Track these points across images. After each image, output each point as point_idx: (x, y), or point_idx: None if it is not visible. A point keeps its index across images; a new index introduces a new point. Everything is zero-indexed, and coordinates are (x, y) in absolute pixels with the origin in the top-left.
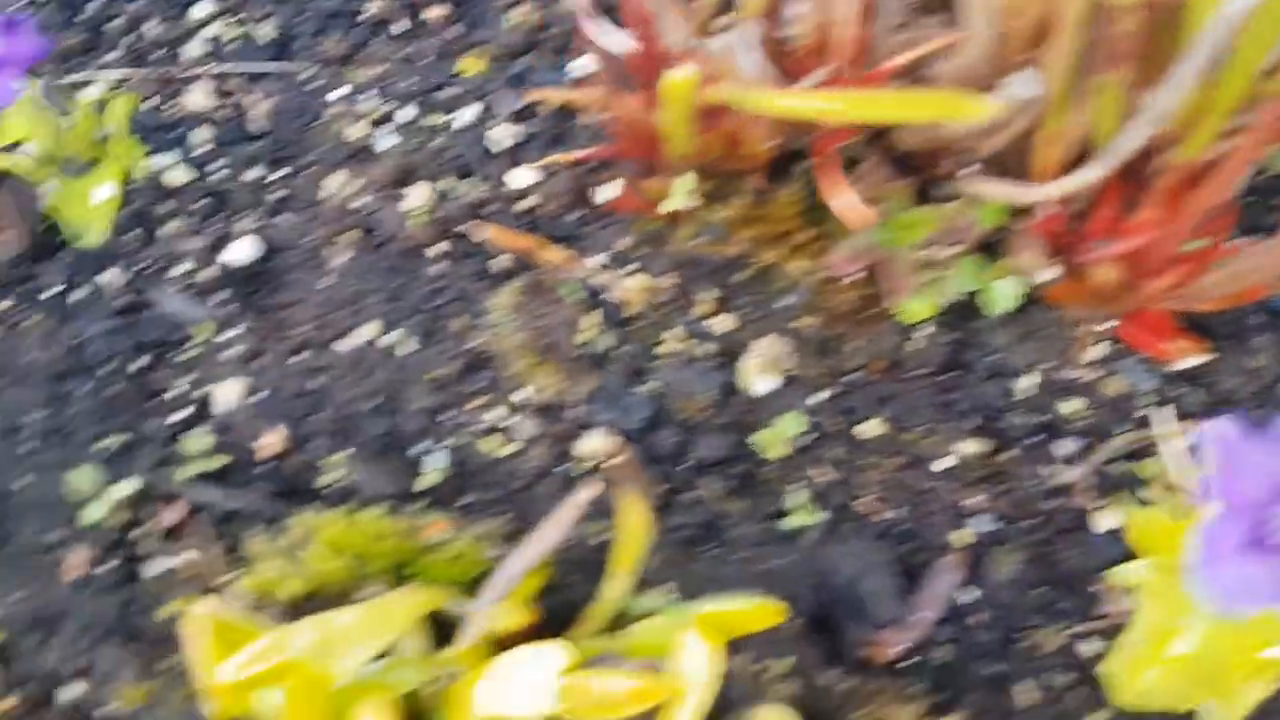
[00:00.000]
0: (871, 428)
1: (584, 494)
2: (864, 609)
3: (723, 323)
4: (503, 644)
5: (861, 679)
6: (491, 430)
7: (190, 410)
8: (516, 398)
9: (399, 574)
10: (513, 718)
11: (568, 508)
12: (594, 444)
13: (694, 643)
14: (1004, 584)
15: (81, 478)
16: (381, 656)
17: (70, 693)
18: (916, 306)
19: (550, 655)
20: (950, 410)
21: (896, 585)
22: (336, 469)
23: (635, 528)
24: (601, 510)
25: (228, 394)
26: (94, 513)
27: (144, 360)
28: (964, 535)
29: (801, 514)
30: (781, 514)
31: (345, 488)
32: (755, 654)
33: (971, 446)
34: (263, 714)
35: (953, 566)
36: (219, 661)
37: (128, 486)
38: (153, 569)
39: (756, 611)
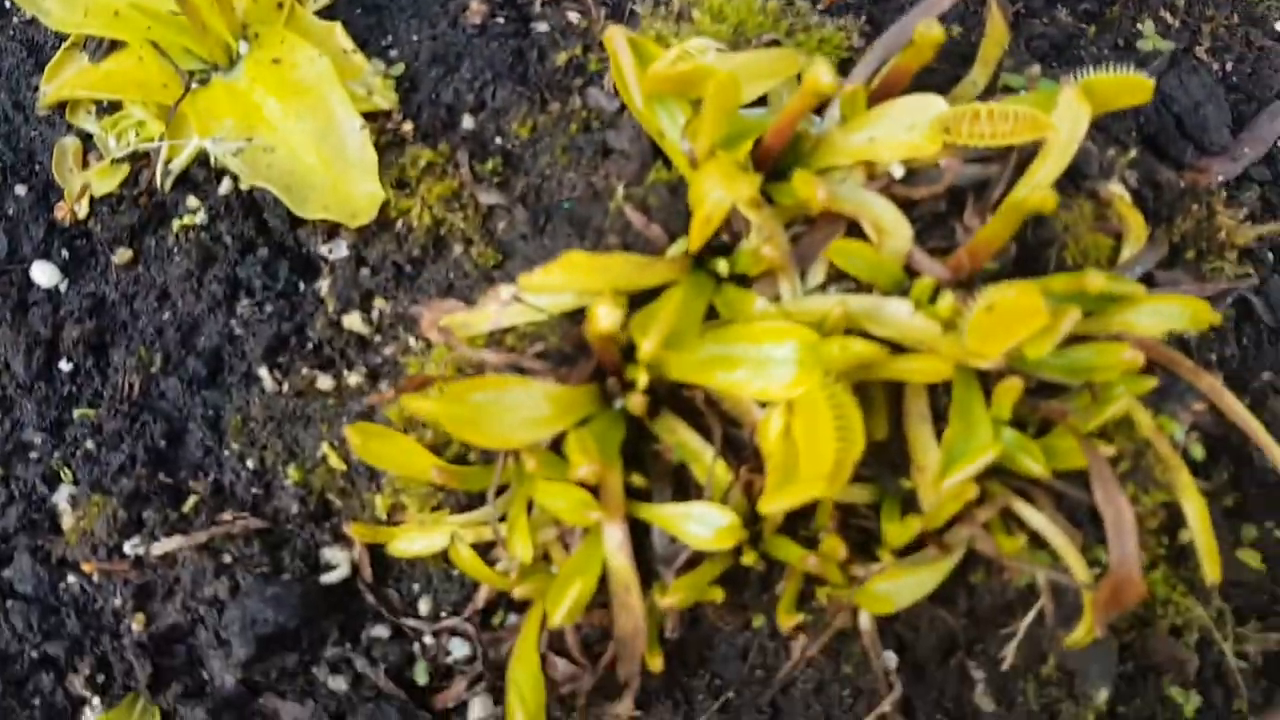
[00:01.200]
0: None
1: None
2: (1199, 135)
3: None
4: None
5: (1192, 185)
6: None
7: None
8: None
9: (772, 43)
10: (890, 144)
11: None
12: None
13: (1068, 99)
14: None
15: None
16: (756, 105)
17: (468, 123)
18: None
19: (933, 99)
20: None
21: (1230, 119)
22: None
23: (997, 26)
24: (956, 17)
25: None
26: None
27: None
28: None
29: (1153, 40)
30: (1131, 42)
31: None
32: (1103, 142)
33: None
34: (667, 129)
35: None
36: (640, 69)
37: None
38: (541, 26)
39: (1128, 83)
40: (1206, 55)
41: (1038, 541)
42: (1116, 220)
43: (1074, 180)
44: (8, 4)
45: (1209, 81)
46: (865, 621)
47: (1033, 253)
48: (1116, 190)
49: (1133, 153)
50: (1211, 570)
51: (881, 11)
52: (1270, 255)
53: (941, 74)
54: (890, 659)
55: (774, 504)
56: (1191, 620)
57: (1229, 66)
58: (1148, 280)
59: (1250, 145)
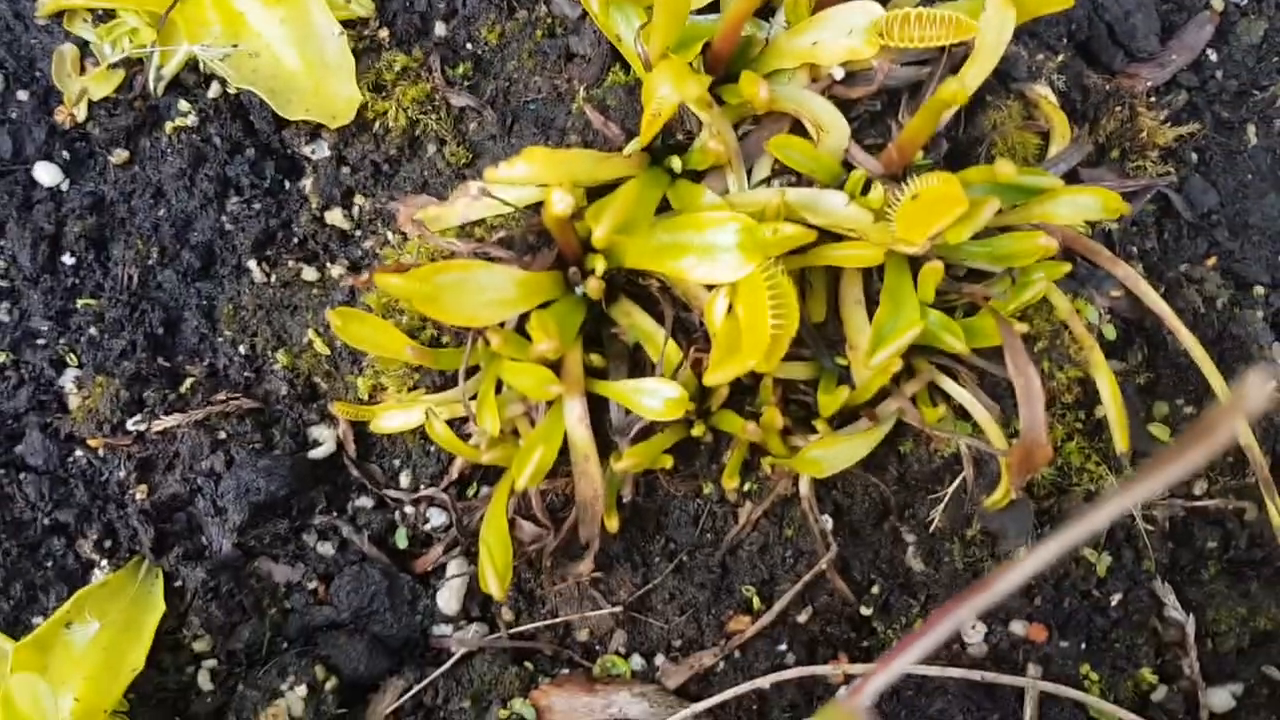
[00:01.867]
0: None
1: None
2: (1128, 42)
3: None
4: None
5: (1119, 89)
6: None
7: None
8: None
9: None
10: (830, 48)
11: None
12: None
13: (995, 4)
14: (1247, 48)
15: None
16: (709, 11)
17: (440, 30)
18: None
19: (870, 5)
20: None
21: (1158, 28)
22: None
23: None
24: None
25: None
26: None
27: None
28: (1217, 1)
29: None
30: None
31: None
32: (1034, 47)
33: None
34: (623, 34)
35: (1207, 23)
36: None
37: None
38: None
39: None
40: None
41: (963, 415)
42: (1043, 120)
43: (1004, 82)
44: None
45: None
46: (804, 487)
47: (963, 149)
48: (1042, 91)
49: (1061, 57)
50: (1121, 440)
51: None
52: (1194, 156)
53: None
54: (827, 522)
55: (717, 376)
56: (1104, 487)
57: None
58: (1072, 176)
59: (1178, 53)
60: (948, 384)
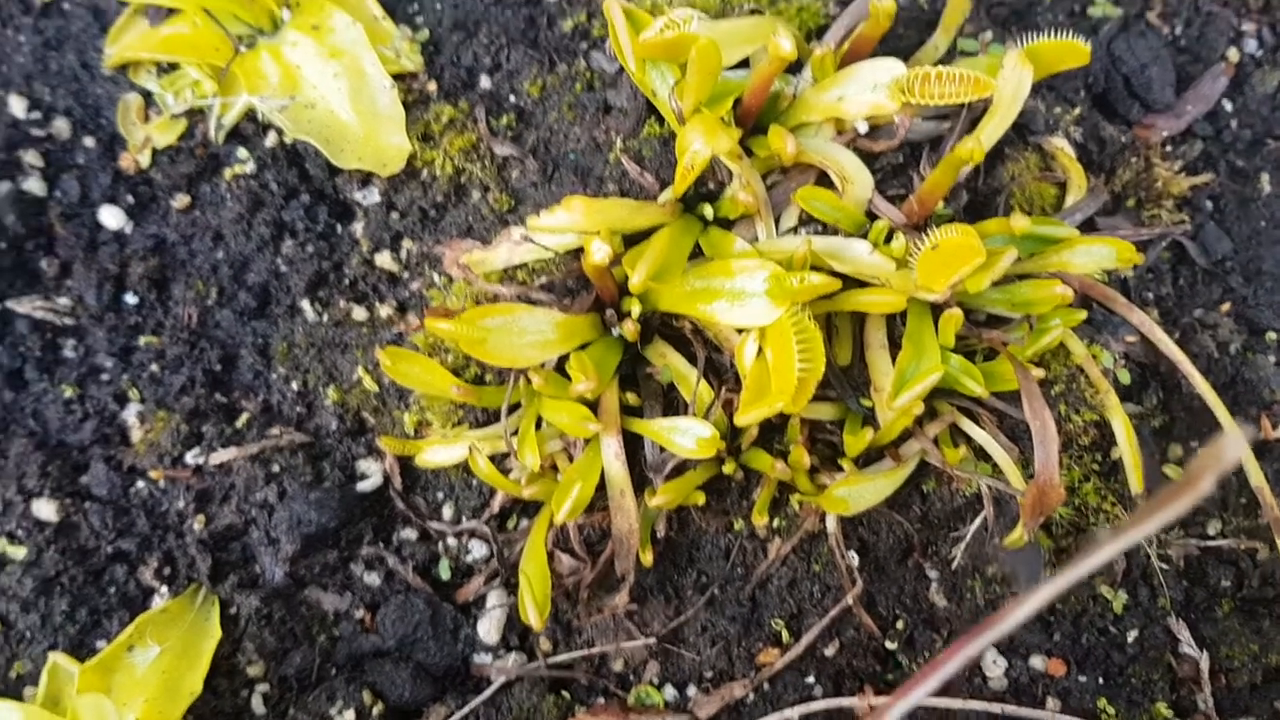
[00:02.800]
0: None
1: None
2: (1144, 94)
3: None
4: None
5: (1134, 140)
6: None
7: None
8: None
9: (754, 13)
10: (855, 102)
11: None
12: None
13: (1013, 62)
14: (1262, 98)
15: None
16: (740, 67)
17: (486, 83)
18: None
19: (893, 63)
20: None
21: (1174, 80)
22: None
23: None
24: None
25: None
26: None
27: None
28: (1233, 53)
29: (1104, 6)
30: (1085, 9)
31: None
32: (1053, 101)
33: None
34: (659, 89)
35: (1222, 74)
36: (634, 36)
37: None
38: None
39: (1068, 48)
40: (1158, 20)
41: (983, 455)
42: (1060, 171)
43: (1022, 135)
44: None
45: (1156, 44)
46: (831, 524)
47: (983, 199)
48: (1059, 144)
49: (1078, 109)
50: (1136, 482)
51: None
52: (1208, 203)
53: (908, 39)
54: (853, 558)
55: (747, 417)
56: (1121, 527)
57: (1178, 30)
58: (1089, 224)
59: (1194, 103)
60: (968, 425)
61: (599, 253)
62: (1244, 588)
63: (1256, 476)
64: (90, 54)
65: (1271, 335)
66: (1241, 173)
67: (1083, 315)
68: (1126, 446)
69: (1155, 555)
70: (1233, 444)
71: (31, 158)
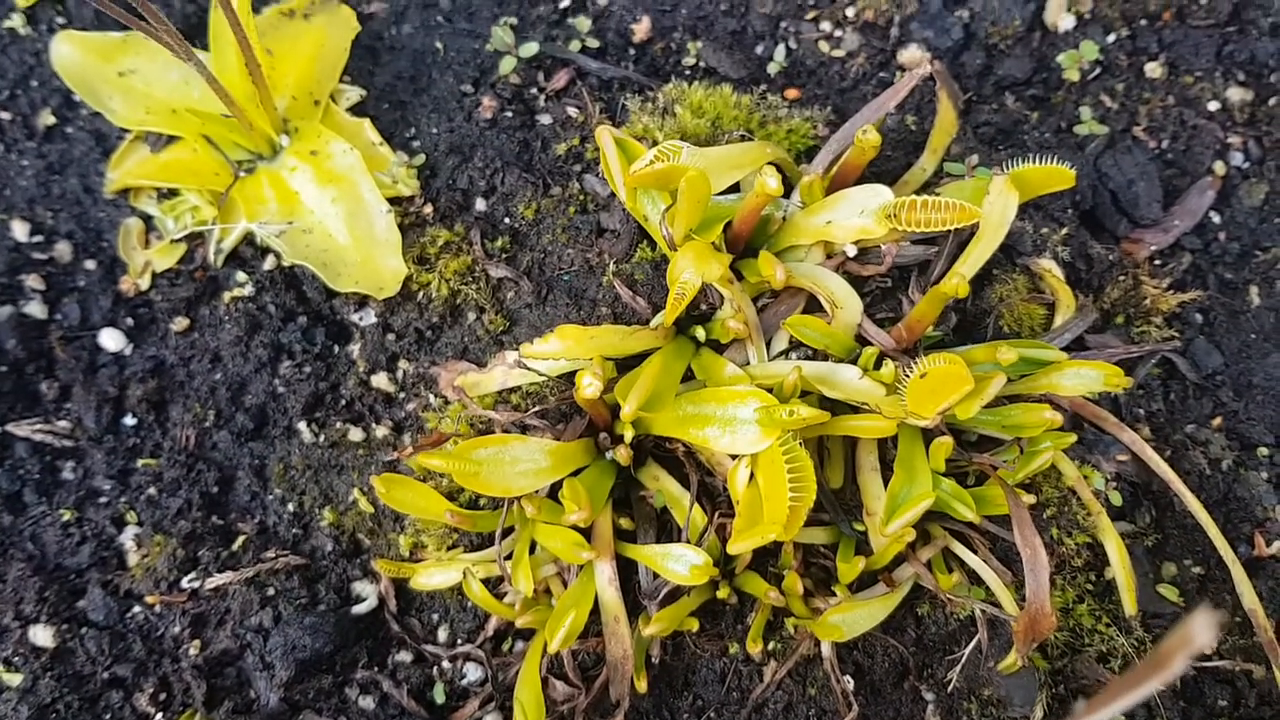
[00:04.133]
0: (1153, 68)
1: (907, 80)
2: (1132, 210)
3: None
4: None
5: (1122, 256)
6: (824, 38)
7: (570, 1)
8: (847, 13)
9: (744, 138)
10: (843, 227)
11: (894, 89)
12: (911, 55)
13: (999, 188)
14: (1249, 210)
15: (500, 33)
16: (731, 191)
17: (481, 205)
18: None
19: (880, 189)
20: (1226, 59)
21: (1161, 195)
22: (694, 55)
23: (946, 118)
24: (914, 108)
25: None
26: (506, 65)
27: None
28: (1219, 166)
29: (1090, 125)
30: (1072, 126)
31: (703, 68)
32: (1040, 221)
33: (1238, 94)
34: (650, 215)
35: (1209, 188)
36: (625, 165)
37: (530, 48)
38: (544, 119)
39: (1053, 172)
40: (1144, 134)
41: (977, 579)
42: (1049, 291)
43: (1010, 256)
44: (77, 99)
45: (1142, 160)
46: (826, 648)
47: (972, 320)
48: (1047, 265)
49: (1065, 229)
50: (1129, 604)
51: (846, 101)
52: (1198, 317)
53: (896, 160)
54: (849, 682)
55: (739, 546)
56: (1115, 648)
57: (1164, 144)
58: (1079, 342)
59: (1181, 217)
60: (961, 550)
61: (589, 388)
62: (1241, 708)
63: (1250, 599)
64: (92, 178)
65: (1263, 450)
66: (1231, 285)
67: (1073, 438)
68: (1119, 568)
69: None
70: (1203, 627)
71: (33, 281)
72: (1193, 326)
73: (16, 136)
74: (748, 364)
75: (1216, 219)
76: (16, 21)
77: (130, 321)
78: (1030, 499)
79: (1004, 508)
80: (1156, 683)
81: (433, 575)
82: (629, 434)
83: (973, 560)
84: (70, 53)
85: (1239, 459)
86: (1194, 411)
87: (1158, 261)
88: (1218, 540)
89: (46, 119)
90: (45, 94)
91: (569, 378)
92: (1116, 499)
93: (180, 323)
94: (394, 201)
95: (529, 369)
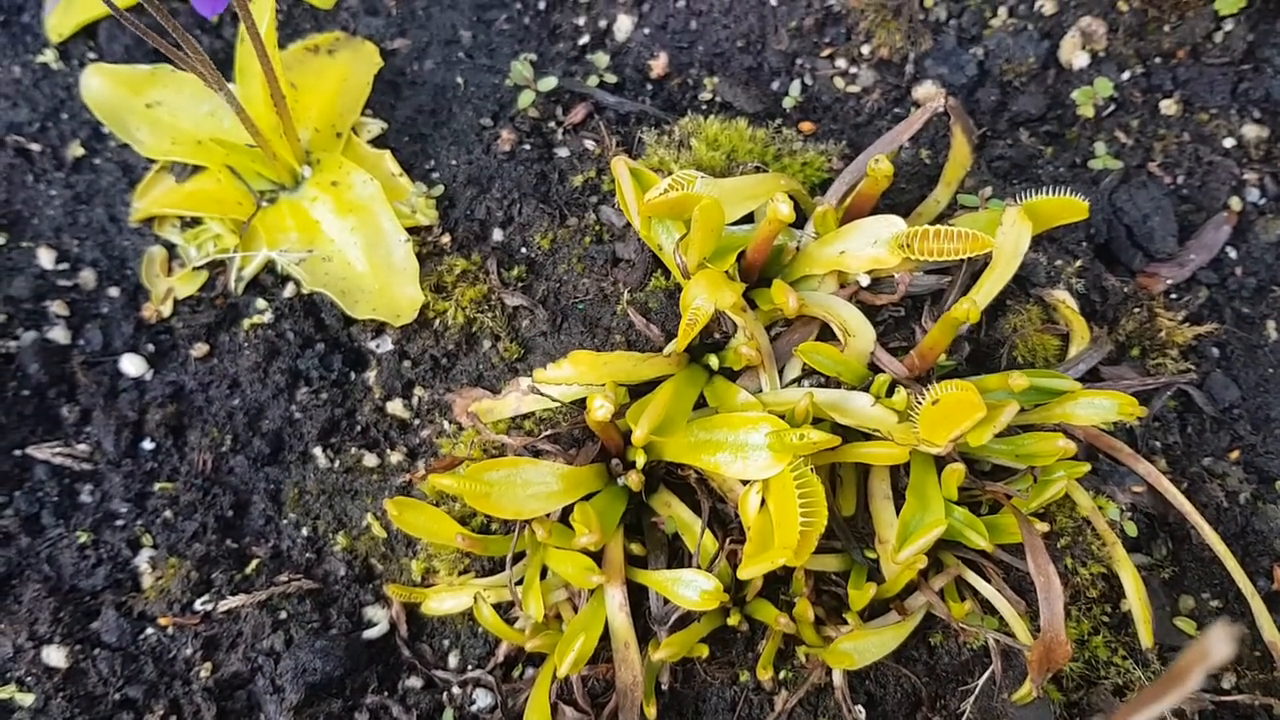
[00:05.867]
0: (1168, 105)
1: (920, 114)
2: (1147, 244)
3: (1049, 5)
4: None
5: (1137, 290)
6: (839, 74)
7: (589, 38)
8: (863, 50)
9: (758, 170)
10: (857, 256)
11: (907, 122)
12: (925, 91)
13: (1012, 219)
14: (1266, 246)
15: (520, 68)
16: (745, 222)
17: (498, 235)
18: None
19: (894, 219)
20: (1241, 97)
21: (1176, 230)
22: (710, 90)
23: (960, 151)
24: (929, 142)
25: (623, 26)
26: (524, 99)
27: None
28: (1235, 202)
29: (1105, 160)
30: (1086, 161)
31: (719, 103)
32: (1054, 253)
33: (1253, 131)
34: (664, 244)
35: (1225, 223)
36: (640, 194)
37: (549, 82)
38: (562, 152)
39: (1066, 204)
40: (1159, 170)
41: (990, 609)
42: (1063, 322)
43: (1023, 287)
44: (106, 131)
45: (1157, 194)
46: (838, 677)
47: (986, 350)
48: (1061, 296)
49: (1080, 262)
50: (1145, 636)
51: (861, 136)
52: (1215, 350)
53: (910, 193)
54: (861, 712)
55: (749, 571)
56: (1132, 681)
57: (1180, 180)
58: (1094, 374)
59: (1197, 252)
60: (974, 578)
61: (600, 410)
62: None
63: (1270, 632)
64: (118, 208)
65: None
66: (1247, 320)
67: (1087, 467)
68: (1135, 600)
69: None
70: (1220, 641)
71: (58, 307)
72: (1209, 360)
73: (46, 167)
74: (760, 391)
75: (1233, 254)
76: (49, 56)
77: (151, 347)
78: (1044, 527)
79: (1017, 536)
80: (1174, 698)
81: (444, 600)
82: (640, 459)
83: (986, 589)
84: (100, 85)
85: (1257, 492)
86: (1211, 444)
87: (1173, 295)
88: (1236, 573)
89: (75, 150)
90: (75, 126)
91: (582, 404)
92: (1132, 530)
93: (200, 349)
94: (413, 231)
95: (543, 394)
